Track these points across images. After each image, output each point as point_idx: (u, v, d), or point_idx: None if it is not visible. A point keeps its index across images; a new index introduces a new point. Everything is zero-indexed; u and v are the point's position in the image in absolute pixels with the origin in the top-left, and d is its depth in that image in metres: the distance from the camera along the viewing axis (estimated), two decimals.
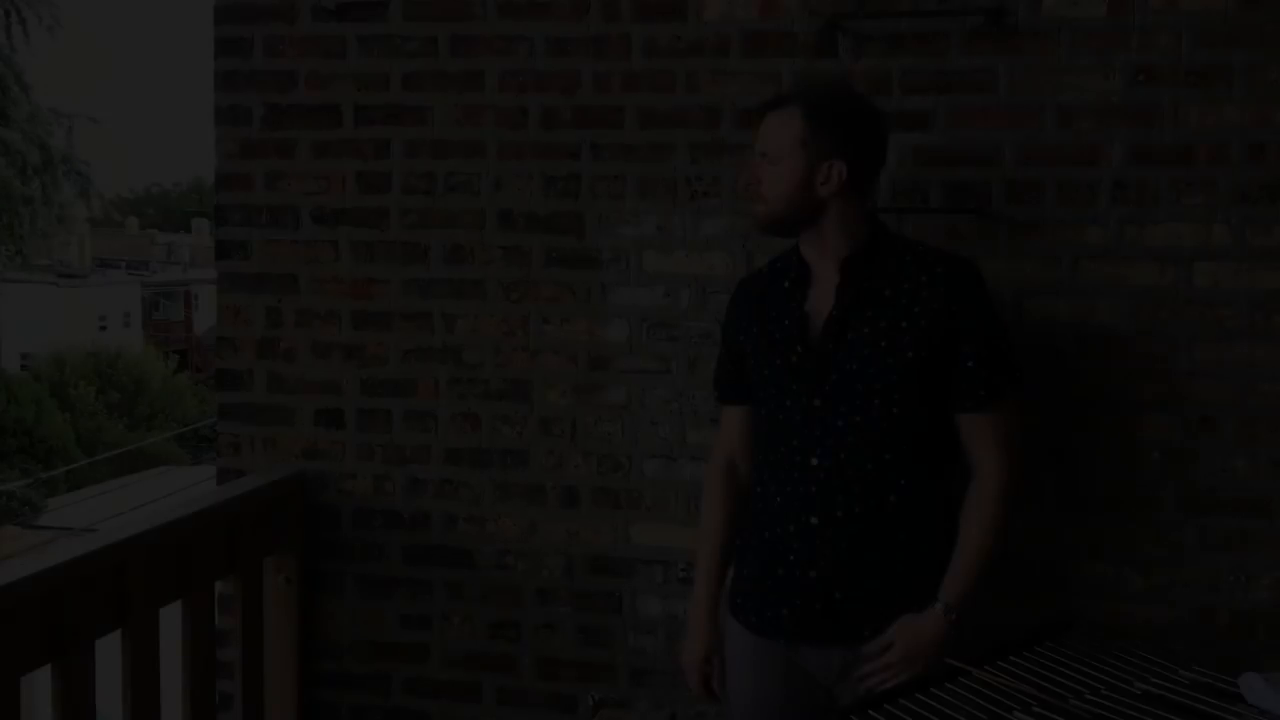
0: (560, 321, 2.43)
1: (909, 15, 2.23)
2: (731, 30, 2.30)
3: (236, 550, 2.32)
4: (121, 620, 1.97)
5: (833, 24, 2.24)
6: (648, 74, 2.35)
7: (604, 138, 2.37)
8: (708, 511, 2.05)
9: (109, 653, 1.96)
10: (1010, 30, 2.19)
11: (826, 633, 1.85)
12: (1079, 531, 2.23)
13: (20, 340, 24.18)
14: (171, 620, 2.12)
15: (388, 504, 2.53)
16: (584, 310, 2.41)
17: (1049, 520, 2.23)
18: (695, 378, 2.35)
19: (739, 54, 2.30)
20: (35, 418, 19.01)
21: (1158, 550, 2.21)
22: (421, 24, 2.44)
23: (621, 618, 2.43)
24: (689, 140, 2.34)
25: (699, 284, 2.35)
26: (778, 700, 1.91)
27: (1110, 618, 2.20)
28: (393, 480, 2.52)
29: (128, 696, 1.99)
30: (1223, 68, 2.13)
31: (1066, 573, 2.24)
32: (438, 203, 2.46)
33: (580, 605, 2.45)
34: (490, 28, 2.41)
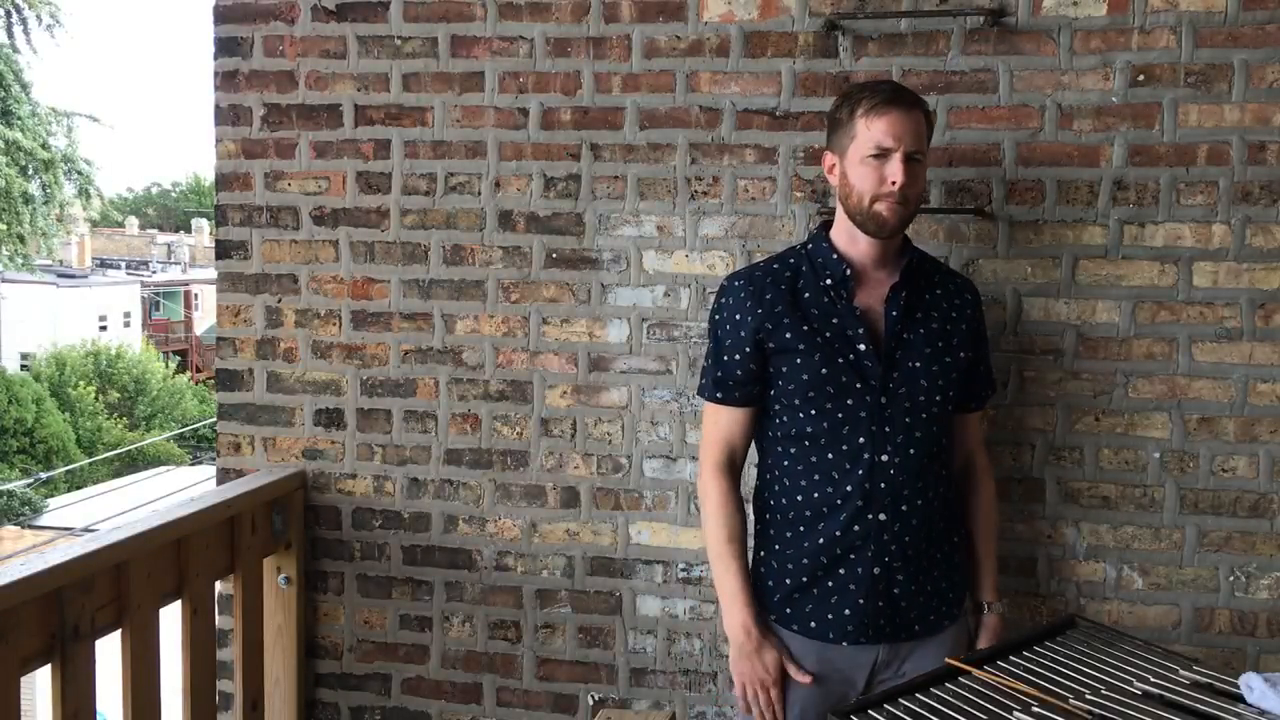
0: (560, 321, 2.43)
1: (909, 15, 2.23)
2: (731, 30, 2.30)
3: (236, 550, 2.32)
4: (121, 620, 1.97)
5: (833, 24, 2.24)
6: (648, 74, 2.35)
7: (604, 138, 2.38)
8: (725, 515, 1.95)
9: (109, 653, 1.96)
10: (1010, 30, 2.20)
11: (884, 629, 1.87)
12: (1079, 531, 2.23)
13: (20, 340, 24.18)
14: (171, 620, 2.12)
15: (388, 504, 2.53)
16: (584, 310, 2.41)
17: (1049, 520, 2.24)
18: (695, 378, 2.35)
19: (739, 54, 2.30)
20: (35, 418, 19.01)
21: (1158, 550, 2.21)
22: (421, 24, 2.44)
23: (621, 618, 2.43)
24: (689, 140, 2.34)
25: (699, 284, 2.35)
26: (813, 700, 1.90)
27: (1110, 618, 2.21)
28: (393, 480, 2.52)
29: (128, 696, 1.99)
30: (1223, 68, 2.13)
31: (1066, 573, 2.24)
32: (438, 203, 2.46)
33: (580, 605, 2.45)
34: (490, 28, 2.41)
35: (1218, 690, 1.39)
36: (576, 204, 2.40)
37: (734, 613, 1.92)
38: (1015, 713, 1.34)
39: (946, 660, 1.59)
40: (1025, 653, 1.53)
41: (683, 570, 2.39)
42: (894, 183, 1.79)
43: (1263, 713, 1.32)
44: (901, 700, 1.40)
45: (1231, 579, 2.19)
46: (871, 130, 1.80)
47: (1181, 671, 1.44)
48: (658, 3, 2.33)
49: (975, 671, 1.46)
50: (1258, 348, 2.16)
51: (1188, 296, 2.18)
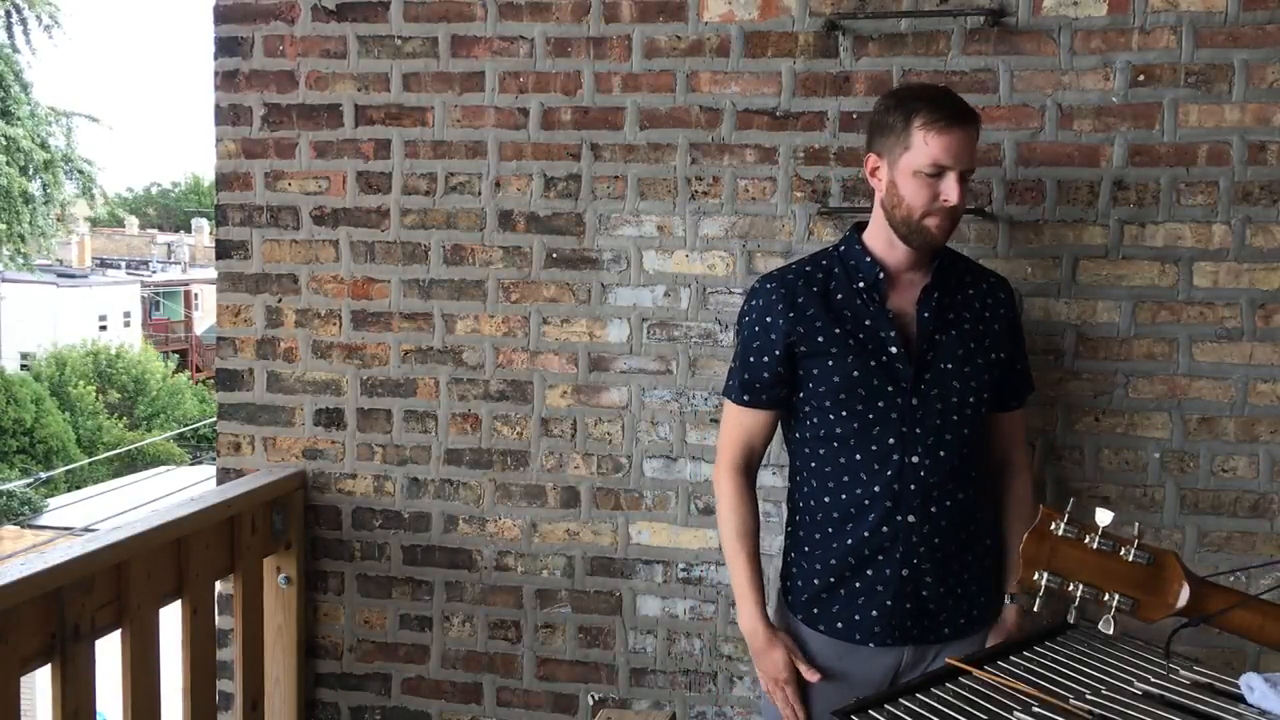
0: (560, 321, 2.43)
1: (909, 15, 2.23)
2: (731, 30, 2.30)
3: (236, 550, 2.32)
4: (121, 620, 1.97)
5: (833, 24, 2.24)
6: (648, 74, 2.35)
7: (604, 138, 2.38)
8: (737, 512, 1.95)
9: (109, 653, 1.96)
10: (1010, 30, 2.20)
11: (910, 631, 1.87)
12: None
13: (20, 340, 24.17)
14: (171, 620, 2.12)
15: (388, 504, 2.53)
16: (584, 310, 2.41)
17: None
18: (695, 378, 2.35)
19: (739, 54, 2.30)
20: (35, 418, 19.01)
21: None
22: (422, 24, 2.44)
23: (621, 618, 2.43)
24: (689, 140, 2.34)
25: (699, 284, 2.35)
26: (832, 701, 1.89)
27: None
28: (393, 480, 2.52)
29: (128, 696, 1.99)
30: (1223, 68, 2.13)
31: None
32: (438, 203, 2.46)
33: (580, 605, 2.45)
34: (490, 28, 2.41)
35: (1218, 690, 1.39)
36: (576, 204, 2.40)
37: (743, 611, 1.94)
38: (1015, 713, 1.34)
39: (946, 660, 1.59)
40: (1025, 653, 1.53)
41: (683, 570, 2.40)
42: (947, 201, 1.78)
43: (1263, 713, 1.32)
44: (902, 700, 1.40)
45: (1232, 579, 2.18)
46: (931, 146, 1.76)
47: (1181, 671, 1.44)
48: (658, 3, 2.33)
49: (975, 671, 1.46)
50: (1258, 348, 2.16)
51: (1188, 296, 2.18)
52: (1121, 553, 1.36)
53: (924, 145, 1.77)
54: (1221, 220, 2.15)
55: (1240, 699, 1.36)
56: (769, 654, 1.90)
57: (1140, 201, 2.18)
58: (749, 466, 1.98)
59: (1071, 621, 1.41)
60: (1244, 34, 2.12)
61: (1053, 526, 1.37)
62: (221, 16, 2.53)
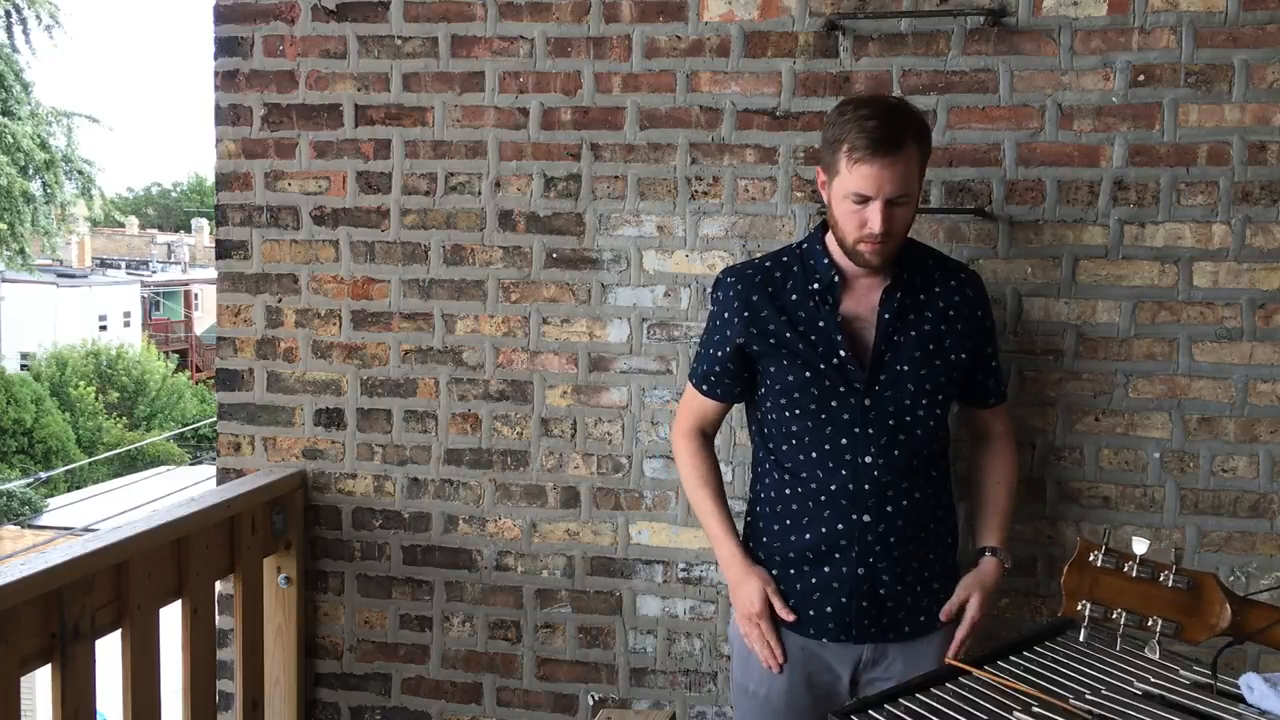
0: (560, 321, 2.43)
1: (909, 15, 2.23)
2: (732, 30, 2.30)
3: (236, 550, 2.32)
4: (121, 620, 1.97)
5: (833, 24, 2.24)
6: (648, 74, 2.35)
7: (604, 138, 2.37)
8: (696, 467, 2.02)
9: (109, 653, 1.96)
10: (1010, 30, 2.20)
11: (868, 629, 1.87)
12: (1079, 531, 2.23)
13: (20, 340, 24.17)
14: (171, 620, 2.12)
15: (388, 504, 2.53)
16: (584, 310, 2.41)
17: (1049, 520, 2.24)
18: None
19: (739, 54, 2.30)
20: (35, 418, 19.00)
21: (1158, 550, 2.21)
22: (422, 24, 2.44)
23: (621, 618, 2.43)
24: (689, 140, 2.34)
25: (699, 284, 2.35)
26: (800, 697, 1.91)
27: None
28: (393, 480, 2.52)
29: (128, 696, 1.99)
30: (1223, 68, 2.13)
31: None
32: (438, 203, 2.46)
33: (580, 605, 2.45)
34: (490, 28, 2.41)
35: (1218, 690, 1.39)
36: (577, 204, 2.40)
37: (720, 550, 1.98)
38: (1015, 713, 1.34)
39: (947, 660, 1.59)
40: (1025, 653, 1.53)
41: (683, 570, 2.40)
42: (871, 230, 1.77)
43: (1263, 713, 1.32)
44: (902, 700, 1.40)
45: (1232, 579, 2.19)
46: (853, 175, 1.75)
47: (1181, 671, 1.44)
48: (658, 3, 2.33)
49: (975, 671, 1.46)
50: (1258, 348, 2.16)
51: (1188, 296, 2.18)
52: (1161, 578, 1.40)
53: (848, 173, 1.76)
54: (1221, 220, 2.15)
55: (1240, 699, 1.36)
56: (745, 585, 1.92)
57: (1140, 201, 2.18)
58: (703, 433, 2.06)
59: (1081, 640, 1.45)
60: (1244, 34, 2.12)
61: (1091, 558, 1.41)
62: (221, 16, 2.53)
